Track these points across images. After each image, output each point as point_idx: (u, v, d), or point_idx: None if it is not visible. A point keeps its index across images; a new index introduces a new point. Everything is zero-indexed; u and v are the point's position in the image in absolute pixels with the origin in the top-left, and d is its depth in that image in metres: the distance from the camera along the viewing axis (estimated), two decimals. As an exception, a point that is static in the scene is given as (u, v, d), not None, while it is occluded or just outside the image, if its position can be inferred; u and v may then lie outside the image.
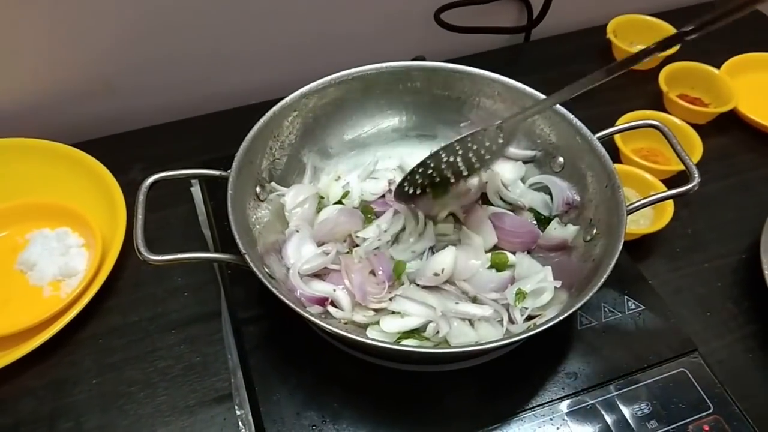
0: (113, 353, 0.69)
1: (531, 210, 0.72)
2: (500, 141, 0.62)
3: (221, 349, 0.69)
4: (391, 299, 0.63)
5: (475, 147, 0.63)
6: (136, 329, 0.71)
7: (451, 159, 0.63)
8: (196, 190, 0.82)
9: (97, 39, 0.87)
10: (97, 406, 0.65)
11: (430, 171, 0.64)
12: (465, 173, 0.64)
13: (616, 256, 0.56)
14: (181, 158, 0.87)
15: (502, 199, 0.72)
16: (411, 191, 0.66)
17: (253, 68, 0.99)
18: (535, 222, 0.71)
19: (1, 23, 0.81)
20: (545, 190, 0.73)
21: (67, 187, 0.81)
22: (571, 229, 0.68)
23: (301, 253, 0.66)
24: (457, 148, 0.63)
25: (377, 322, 0.62)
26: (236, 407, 0.64)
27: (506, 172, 0.73)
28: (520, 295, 0.61)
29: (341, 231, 0.68)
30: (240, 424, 0.63)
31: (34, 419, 0.64)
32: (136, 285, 0.75)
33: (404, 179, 0.65)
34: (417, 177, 0.65)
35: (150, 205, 0.60)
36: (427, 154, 0.70)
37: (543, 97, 0.70)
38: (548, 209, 0.71)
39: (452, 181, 0.65)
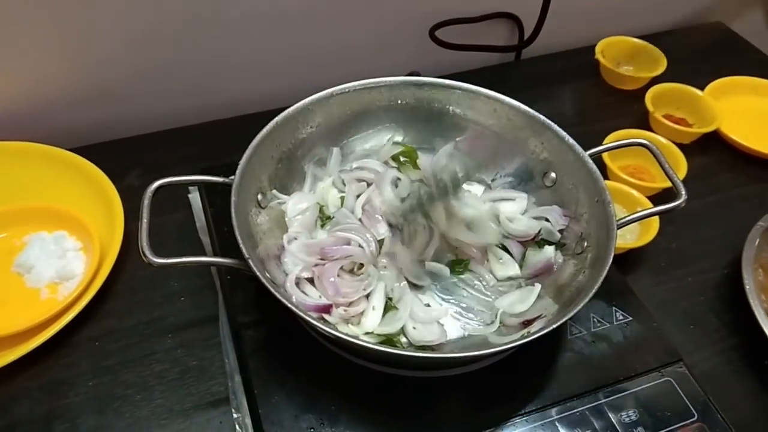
0: (110, 356, 0.70)
1: (541, 241, 0.72)
2: None
3: (217, 353, 0.70)
4: (368, 296, 0.65)
5: None
6: (132, 333, 0.72)
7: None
8: (194, 197, 0.83)
9: (96, 46, 0.88)
10: (94, 408, 0.66)
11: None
12: None
13: (607, 269, 0.58)
14: (177, 165, 0.88)
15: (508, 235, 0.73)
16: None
17: (250, 80, 1.01)
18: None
19: (1, 28, 0.82)
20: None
21: (64, 192, 0.82)
22: (548, 250, 0.70)
23: (298, 261, 0.67)
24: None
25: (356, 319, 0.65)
26: (233, 410, 0.65)
27: (509, 207, 0.75)
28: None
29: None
30: (237, 426, 0.63)
31: (30, 420, 0.64)
32: (132, 289, 0.76)
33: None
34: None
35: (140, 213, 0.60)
36: (426, 164, 0.74)
37: (535, 113, 0.73)
38: (553, 235, 0.72)
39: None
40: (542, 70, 1.12)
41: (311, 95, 0.73)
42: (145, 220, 0.59)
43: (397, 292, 0.66)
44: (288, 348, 0.64)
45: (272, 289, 0.55)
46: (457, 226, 0.71)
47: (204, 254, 0.78)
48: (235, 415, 0.64)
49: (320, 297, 0.65)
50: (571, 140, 0.70)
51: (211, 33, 0.92)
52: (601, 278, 0.58)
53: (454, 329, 0.66)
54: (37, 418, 0.65)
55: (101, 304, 0.74)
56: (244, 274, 0.59)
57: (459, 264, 0.71)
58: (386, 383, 0.62)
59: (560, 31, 1.12)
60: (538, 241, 0.72)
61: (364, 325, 0.64)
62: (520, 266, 0.70)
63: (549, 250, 0.70)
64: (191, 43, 0.93)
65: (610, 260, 0.59)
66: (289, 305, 0.55)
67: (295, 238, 0.68)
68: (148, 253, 0.56)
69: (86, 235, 0.78)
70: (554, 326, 0.55)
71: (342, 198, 0.75)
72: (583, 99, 1.06)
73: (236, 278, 0.70)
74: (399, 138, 0.80)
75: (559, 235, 0.71)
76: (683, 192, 0.66)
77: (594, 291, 0.57)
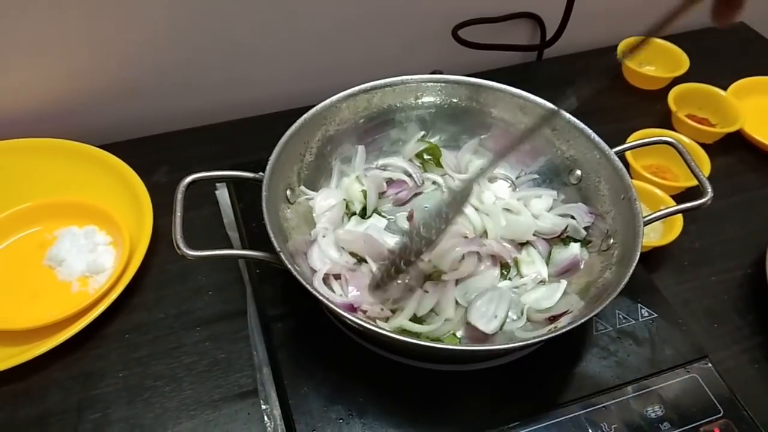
0: (139, 348, 0.71)
1: (566, 238, 0.73)
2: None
3: (245, 346, 0.71)
4: (393, 311, 0.65)
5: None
6: (161, 326, 0.73)
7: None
8: (221, 193, 0.84)
9: (124, 45, 0.89)
10: (124, 399, 0.67)
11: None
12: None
13: (634, 265, 0.59)
14: (204, 162, 0.90)
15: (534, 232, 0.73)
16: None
17: (276, 79, 1.02)
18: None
19: (31, 28, 0.83)
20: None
21: (94, 187, 0.83)
22: (574, 247, 0.71)
23: (325, 257, 0.67)
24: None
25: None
26: (261, 402, 0.66)
27: (536, 204, 0.75)
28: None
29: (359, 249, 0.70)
30: (265, 417, 0.64)
31: (63, 410, 0.66)
32: (161, 283, 0.77)
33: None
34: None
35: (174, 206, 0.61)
36: (451, 161, 0.74)
37: (561, 111, 0.73)
38: (578, 233, 0.72)
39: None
40: (564, 70, 1.12)
41: (337, 93, 0.74)
42: (178, 214, 0.60)
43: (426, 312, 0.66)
44: (316, 340, 0.65)
45: (303, 282, 0.55)
46: (497, 226, 0.72)
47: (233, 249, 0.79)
48: (263, 407, 0.65)
49: (341, 295, 0.65)
50: (597, 138, 0.70)
51: (238, 35, 0.94)
52: (629, 274, 0.58)
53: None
54: (69, 407, 0.66)
55: (131, 297, 0.75)
56: (273, 268, 0.60)
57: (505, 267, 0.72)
58: (413, 376, 0.63)
59: (582, 31, 1.12)
60: (564, 239, 0.72)
61: (391, 322, 0.64)
62: (547, 263, 0.71)
63: (575, 247, 0.70)
64: (219, 44, 0.94)
65: (638, 257, 0.60)
66: (320, 297, 0.56)
67: (324, 236, 0.69)
68: (182, 245, 0.57)
69: (116, 230, 0.79)
70: (581, 321, 0.56)
71: (364, 192, 0.75)
72: (606, 99, 1.06)
73: (265, 272, 0.71)
74: (423, 136, 0.80)
75: (584, 233, 0.71)
76: (709, 189, 0.66)
77: (621, 287, 0.57)
